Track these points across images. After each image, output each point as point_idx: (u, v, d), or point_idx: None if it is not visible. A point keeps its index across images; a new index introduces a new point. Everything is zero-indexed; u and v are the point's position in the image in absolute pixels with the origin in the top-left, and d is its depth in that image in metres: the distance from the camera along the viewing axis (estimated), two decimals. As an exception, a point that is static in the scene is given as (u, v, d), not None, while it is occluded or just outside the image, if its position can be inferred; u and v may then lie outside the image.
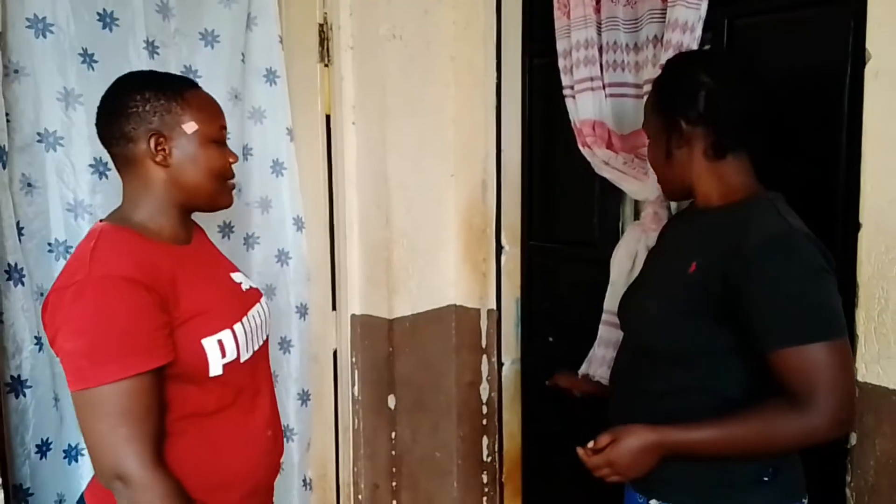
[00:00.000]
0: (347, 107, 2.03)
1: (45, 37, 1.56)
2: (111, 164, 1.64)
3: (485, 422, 2.25)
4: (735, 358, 1.15)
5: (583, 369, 1.80)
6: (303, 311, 2.10)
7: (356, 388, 2.11)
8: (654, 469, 1.15)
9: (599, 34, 1.73)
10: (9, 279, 1.51)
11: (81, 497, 1.22)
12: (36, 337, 1.57)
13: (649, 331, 1.25)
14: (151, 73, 1.27)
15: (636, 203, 1.87)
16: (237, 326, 1.20)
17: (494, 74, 2.11)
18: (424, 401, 2.18)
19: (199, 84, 1.26)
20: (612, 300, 1.77)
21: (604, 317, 1.81)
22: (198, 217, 1.33)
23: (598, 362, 1.76)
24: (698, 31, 1.48)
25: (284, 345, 2.08)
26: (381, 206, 2.05)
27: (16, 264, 1.52)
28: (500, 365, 2.24)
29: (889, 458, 1.31)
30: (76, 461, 1.67)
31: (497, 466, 2.28)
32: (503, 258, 2.20)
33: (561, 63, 1.83)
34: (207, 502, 1.18)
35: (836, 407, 1.07)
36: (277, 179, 2.01)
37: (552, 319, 2.16)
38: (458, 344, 2.19)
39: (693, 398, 1.18)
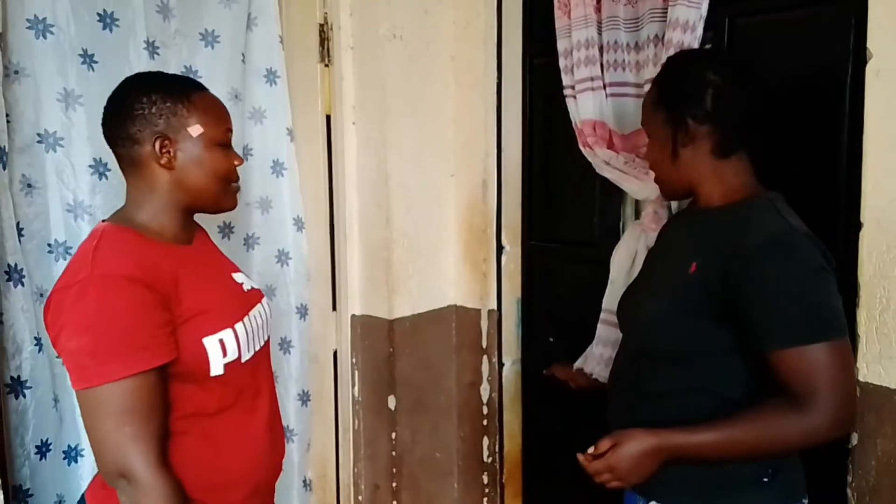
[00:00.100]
0: (348, 107, 2.03)
1: (45, 37, 1.56)
2: (111, 165, 1.67)
3: (485, 422, 2.25)
4: (735, 358, 1.15)
5: (578, 363, 1.80)
6: (303, 311, 2.10)
7: (356, 388, 2.11)
8: (655, 472, 1.15)
9: (600, 34, 1.73)
10: (8, 280, 1.51)
11: (82, 498, 1.23)
12: (36, 338, 1.57)
13: (649, 331, 1.24)
14: (159, 74, 1.27)
15: (637, 203, 1.87)
16: (238, 326, 1.21)
17: (495, 74, 2.11)
18: (425, 401, 2.18)
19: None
20: (610, 299, 1.77)
21: (602, 315, 1.80)
22: (198, 217, 1.33)
23: (596, 360, 1.76)
24: (699, 31, 1.48)
25: (284, 345, 2.08)
26: (381, 206, 2.04)
27: (16, 265, 1.52)
28: (501, 365, 2.23)
29: (890, 459, 1.31)
30: (76, 462, 1.67)
31: (497, 467, 2.27)
32: (503, 258, 2.20)
33: (561, 63, 1.83)
34: (209, 502, 1.18)
35: (836, 407, 1.06)
36: (278, 180, 2.01)
37: (553, 319, 2.16)
38: (458, 344, 2.19)
39: (693, 398, 1.18)
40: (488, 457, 2.26)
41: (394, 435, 2.15)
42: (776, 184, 1.24)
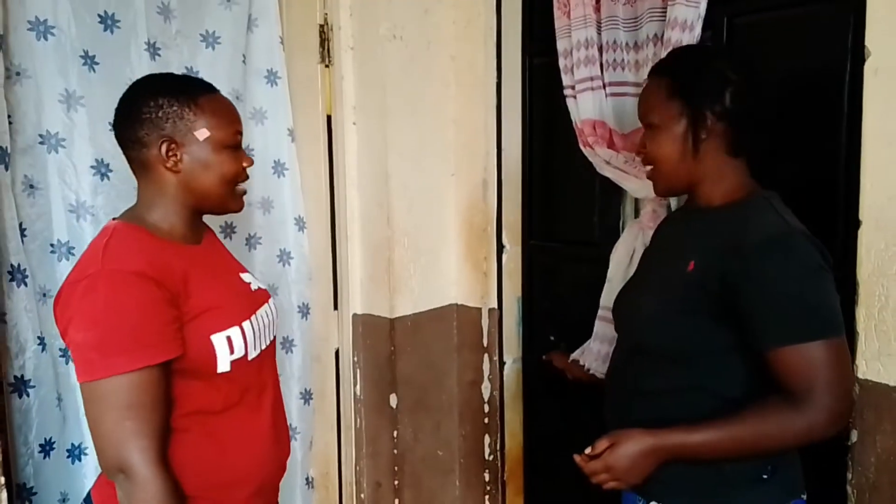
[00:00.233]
0: (348, 107, 2.04)
1: (46, 39, 1.57)
2: (113, 166, 1.68)
3: (486, 420, 2.25)
4: (734, 357, 1.15)
5: (575, 355, 1.81)
6: (305, 310, 2.11)
7: (358, 387, 2.12)
8: (653, 473, 1.15)
9: (599, 33, 1.73)
10: (12, 280, 1.52)
11: (88, 495, 1.23)
12: (39, 337, 1.58)
13: (647, 329, 1.24)
14: (169, 77, 1.28)
15: (636, 201, 1.88)
16: (246, 324, 1.22)
17: (495, 74, 2.11)
18: (426, 400, 2.18)
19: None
20: (608, 296, 1.78)
21: (600, 312, 1.81)
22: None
23: (593, 357, 1.76)
24: (698, 30, 1.48)
25: (287, 344, 2.09)
26: (382, 206, 2.05)
27: (18, 265, 1.53)
28: (502, 364, 2.24)
29: (890, 455, 1.31)
30: (79, 460, 1.68)
31: (499, 465, 2.28)
32: (504, 257, 2.20)
33: (561, 63, 1.83)
34: (213, 500, 1.19)
35: (833, 404, 1.07)
36: (279, 180, 2.02)
37: (553, 318, 2.16)
38: (459, 343, 2.20)
39: (691, 397, 1.18)
40: (490, 455, 2.27)
41: (395, 433, 2.16)
42: (775, 182, 1.24)
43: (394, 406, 2.15)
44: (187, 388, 1.15)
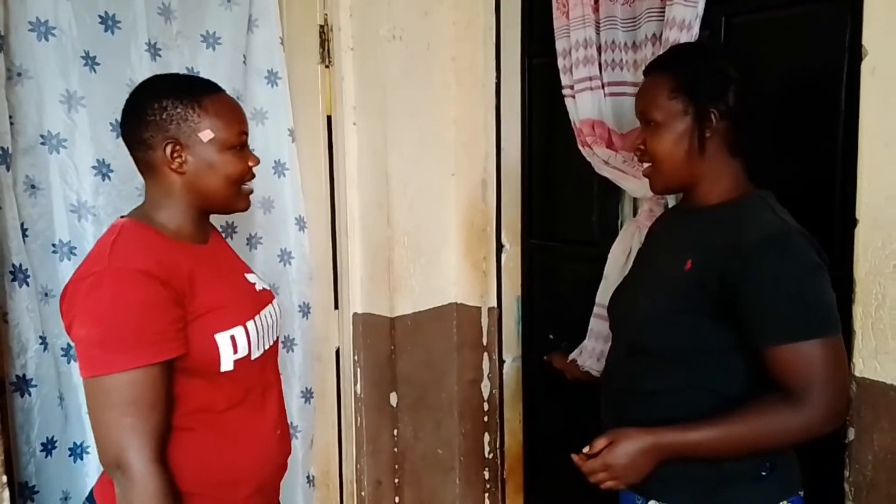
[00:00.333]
0: (348, 107, 2.04)
1: (47, 40, 1.58)
2: (114, 166, 1.68)
3: (486, 419, 2.26)
4: (732, 355, 1.16)
5: (573, 355, 1.81)
6: (305, 310, 2.12)
7: (359, 385, 2.13)
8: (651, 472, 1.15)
9: (598, 33, 1.74)
10: (13, 280, 1.53)
11: (90, 494, 1.24)
12: (41, 337, 1.59)
13: (644, 329, 1.24)
14: (174, 77, 1.29)
15: (635, 201, 1.88)
16: (250, 324, 1.22)
17: (494, 74, 2.12)
18: (426, 398, 2.19)
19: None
20: (604, 294, 1.79)
21: (595, 310, 1.82)
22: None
23: (588, 354, 1.77)
24: (695, 29, 1.49)
25: (288, 343, 2.09)
26: (382, 206, 2.06)
27: (20, 265, 1.54)
28: (502, 362, 2.24)
29: (887, 453, 1.32)
30: (81, 459, 1.69)
31: (499, 463, 2.28)
32: (504, 256, 2.21)
33: (560, 63, 1.84)
34: (213, 498, 1.19)
35: (830, 402, 1.07)
36: (279, 180, 2.03)
37: (553, 317, 2.17)
38: (459, 342, 2.21)
39: (690, 396, 1.18)
40: (489, 453, 2.27)
41: (396, 432, 2.17)
42: (773, 181, 1.25)
43: (394, 405, 2.15)
44: (190, 386, 1.16)
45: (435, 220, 2.15)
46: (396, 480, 2.18)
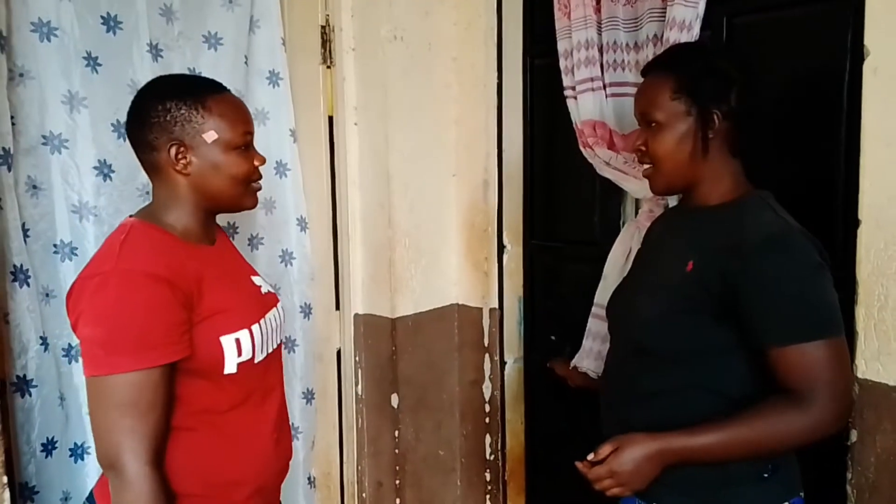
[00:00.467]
0: (349, 108, 2.04)
1: (49, 40, 1.58)
2: (115, 167, 1.68)
3: (488, 420, 2.26)
4: (733, 356, 1.15)
5: (575, 361, 1.81)
6: (307, 310, 2.12)
7: (360, 386, 2.13)
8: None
9: (600, 34, 1.74)
10: (14, 280, 1.53)
11: (90, 494, 1.24)
12: (41, 337, 1.59)
13: (645, 329, 1.23)
14: (178, 78, 1.29)
15: (637, 202, 1.88)
16: (255, 327, 1.22)
17: (495, 75, 2.12)
18: (427, 399, 2.19)
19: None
20: (602, 294, 1.79)
21: (594, 310, 1.82)
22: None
23: (586, 354, 1.77)
24: (696, 29, 1.48)
25: (289, 344, 2.09)
26: (383, 206, 2.06)
27: (21, 265, 1.54)
28: (503, 363, 2.24)
29: (889, 455, 1.31)
30: (82, 459, 1.69)
31: (500, 464, 2.28)
32: (505, 257, 2.21)
33: (562, 64, 1.84)
34: (212, 499, 1.19)
35: (836, 403, 1.07)
36: (281, 180, 2.03)
37: (554, 318, 2.17)
38: (460, 343, 2.21)
39: (691, 397, 1.18)
40: (491, 454, 2.27)
41: (397, 433, 2.16)
42: (775, 182, 1.24)
43: (395, 406, 2.15)
44: (193, 387, 1.16)
45: (436, 221, 2.15)
46: (397, 482, 2.18)
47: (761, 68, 1.29)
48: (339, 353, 2.20)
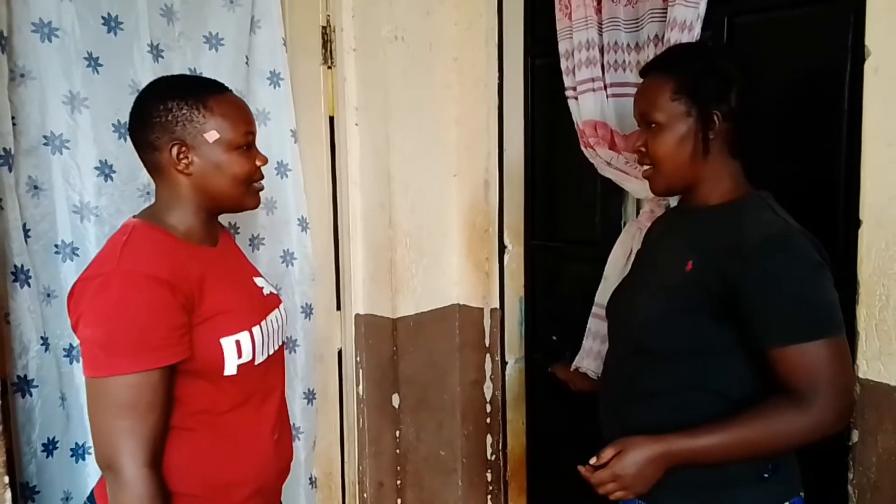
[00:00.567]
0: (350, 108, 2.04)
1: (50, 41, 1.58)
2: (116, 167, 1.69)
3: (489, 420, 2.26)
4: (733, 356, 1.15)
5: (576, 361, 1.81)
6: (308, 311, 2.12)
7: (361, 387, 2.13)
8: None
9: (601, 35, 1.74)
10: (15, 280, 1.53)
11: (91, 494, 1.24)
12: (42, 337, 1.59)
13: (645, 329, 1.23)
14: (180, 79, 1.29)
15: (638, 202, 1.88)
16: (255, 329, 1.22)
17: (496, 75, 2.12)
18: (429, 399, 2.19)
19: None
20: (603, 293, 1.79)
21: (594, 310, 1.82)
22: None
23: (586, 353, 1.77)
24: (697, 30, 1.48)
25: (290, 344, 2.09)
26: (384, 207, 2.06)
27: (22, 266, 1.54)
28: (504, 364, 2.24)
29: (891, 455, 1.31)
30: (83, 459, 1.69)
31: (501, 465, 2.28)
32: (506, 257, 2.21)
33: (563, 64, 1.84)
34: (210, 500, 1.19)
35: (837, 402, 1.07)
36: (282, 181, 2.03)
37: (555, 318, 2.17)
38: (461, 343, 2.21)
39: (691, 397, 1.18)
40: (492, 454, 2.27)
41: (398, 433, 2.16)
42: (776, 182, 1.24)
43: (396, 406, 2.15)
44: (193, 388, 1.16)
45: (437, 221, 2.15)
46: (398, 482, 2.18)
47: (762, 68, 1.29)
48: (340, 353, 2.20)
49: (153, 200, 1.27)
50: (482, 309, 2.20)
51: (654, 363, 1.21)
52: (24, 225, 1.57)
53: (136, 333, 1.07)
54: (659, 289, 1.23)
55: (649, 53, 1.63)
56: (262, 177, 1.28)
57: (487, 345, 2.22)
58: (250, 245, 2.02)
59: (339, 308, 2.19)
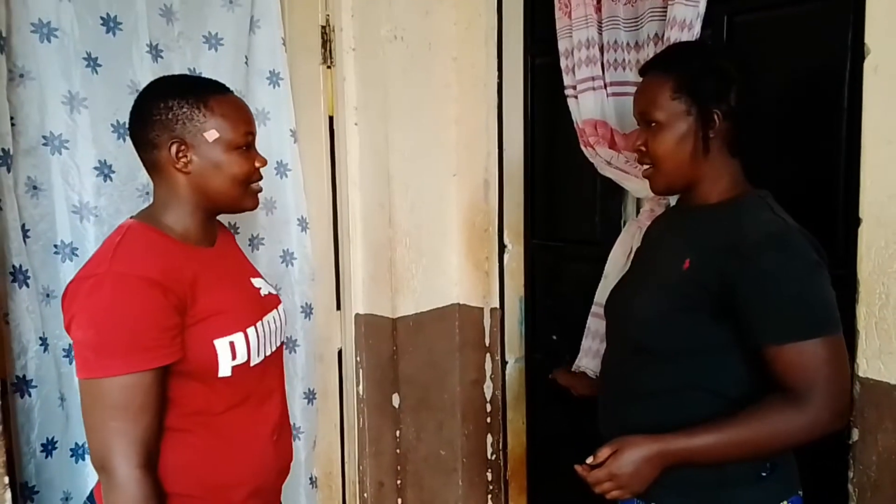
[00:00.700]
0: (350, 108, 2.04)
1: (49, 41, 1.58)
2: (115, 167, 1.69)
3: (489, 420, 2.25)
4: (731, 355, 1.15)
5: (576, 362, 1.81)
6: (308, 310, 2.12)
7: (361, 386, 2.13)
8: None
9: (600, 33, 1.74)
10: (13, 281, 1.53)
11: (91, 494, 1.24)
12: (41, 338, 1.59)
13: (643, 328, 1.23)
14: (181, 78, 1.30)
15: (638, 201, 1.88)
16: (250, 330, 1.22)
17: (496, 74, 2.12)
18: (429, 399, 2.19)
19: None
20: (602, 293, 1.79)
21: (593, 308, 1.82)
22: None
23: (585, 352, 1.77)
24: (697, 28, 1.48)
25: (290, 344, 2.09)
26: (384, 206, 2.06)
27: (20, 266, 1.54)
28: (504, 363, 2.24)
29: (891, 454, 1.31)
30: (83, 459, 1.69)
31: (501, 464, 2.28)
32: (506, 257, 2.21)
33: (563, 63, 1.84)
34: (208, 500, 1.19)
35: (833, 401, 1.07)
36: (282, 181, 2.02)
37: (555, 317, 2.16)
38: (461, 342, 2.20)
39: (689, 396, 1.18)
40: (492, 454, 2.27)
41: (398, 433, 2.16)
42: (776, 180, 1.24)
43: (396, 406, 2.15)
44: (188, 389, 1.16)
45: (437, 221, 2.15)
46: (399, 482, 2.18)
47: (762, 67, 1.29)
48: (340, 353, 2.20)
49: (152, 201, 1.27)
50: (482, 308, 2.20)
51: (652, 362, 1.21)
52: (24, 225, 1.57)
53: (127, 335, 1.07)
54: (657, 288, 1.23)
55: (649, 52, 1.62)
56: (260, 178, 1.28)
57: (487, 344, 2.22)
58: (250, 245, 2.02)
59: (338, 308, 2.19)
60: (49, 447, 1.62)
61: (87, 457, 1.69)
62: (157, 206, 1.23)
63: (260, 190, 1.29)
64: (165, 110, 1.17)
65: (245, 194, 1.25)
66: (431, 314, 2.15)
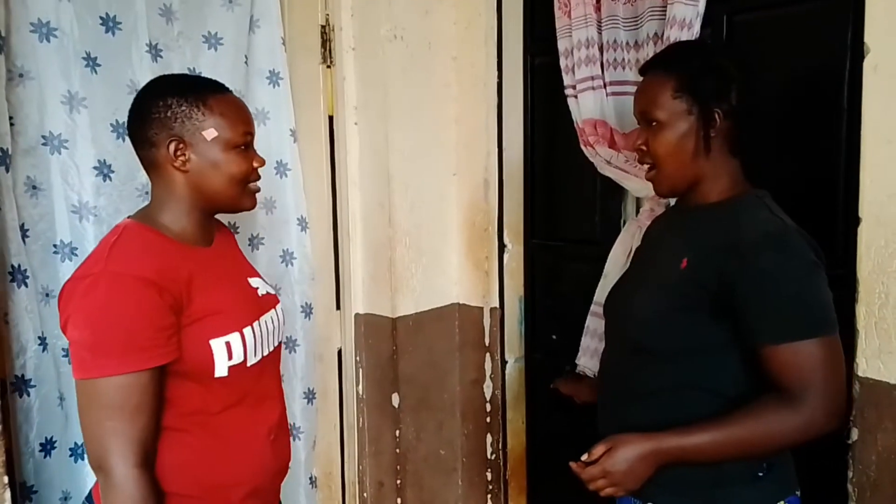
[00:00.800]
0: (350, 107, 2.04)
1: (48, 41, 1.58)
2: (115, 167, 1.69)
3: (489, 419, 2.25)
4: (729, 355, 1.15)
5: (577, 360, 1.81)
6: (307, 310, 2.12)
7: (361, 386, 2.13)
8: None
9: (600, 33, 1.74)
10: (12, 280, 1.53)
11: (90, 494, 1.24)
12: (40, 337, 1.59)
13: (642, 327, 1.23)
14: (179, 77, 1.30)
15: (638, 200, 1.88)
16: (247, 330, 1.22)
17: (496, 74, 2.12)
18: (428, 399, 2.19)
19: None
20: (601, 292, 1.79)
21: (593, 308, 1.82)
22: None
23: (583, 351, 1.77)
24: (696, 28, 1.48)
25: (290, 344, 2.09)
26: (383, 206, 2.06)
27: (19, 266, 1.54)
28: (504, 363, 2.24)
29: (890, 453, 1.31)
30: (82, 459, 1.69)
31: (501, 464, 2.28)
32: (506, 256, 2.21)
33: (562, 62, 1.84)
34: (206, 500, 1.19)
35: (829, 402, 1.07)
36: (281, 180, 2.02)
37: (555, 317, 2.16)
38: (461, 342, 2.20)
39: (687, 396, 1.18)
40: (492, 454, 2.27)
41: (398, 432, 2.16)
42: (775, 180, 1.24)
43: (396, 405, 2.15)
44: (184, 389, 1.16)
45: (437, 220, 2.15)
46: (398, 481, 2.18)
47: (761, 66, 1.29)
48: (339, 352, 2.20)
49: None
50: (482, 308, 2.20)
51: (651, 362, 1.21)
52: (23, 225, 1.57)
53: (123, 335, 1.06)
54: (657, 287, 1.23)
55: (649, 51, 1.62)
56: (258, 178, 1.28)
57: (487, 344, 2.22)
58: (250, 245, 2.02)
59: (338, 307, 2.19)
60: (48, 447, 1.62)
61: (87, 457, 1.69)
62: (155, 206, 1.23)
63: (258, 190, 1.29)
64: (164, 108, 1.17)
65: (243, 194, 1.25)
66: (431, 314, 2.15)
